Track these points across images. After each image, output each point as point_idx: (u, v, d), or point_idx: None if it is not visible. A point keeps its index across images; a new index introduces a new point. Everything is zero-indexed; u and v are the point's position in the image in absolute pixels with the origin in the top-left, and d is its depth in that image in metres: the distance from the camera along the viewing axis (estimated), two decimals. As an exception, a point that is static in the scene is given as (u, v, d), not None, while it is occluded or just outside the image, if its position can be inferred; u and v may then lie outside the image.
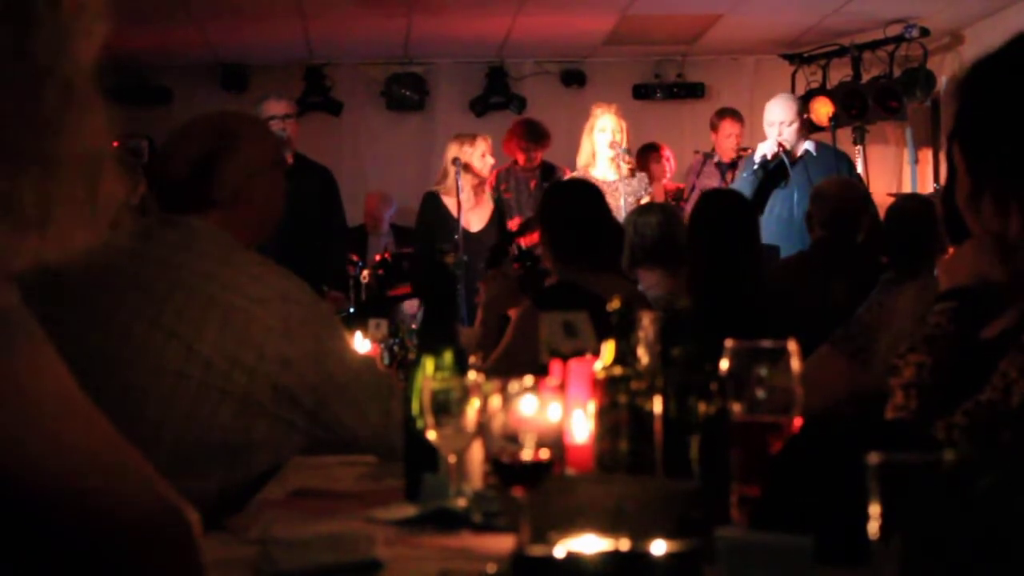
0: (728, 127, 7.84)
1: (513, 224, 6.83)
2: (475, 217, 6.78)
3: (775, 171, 6.49)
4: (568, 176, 7.20)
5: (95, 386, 1.14)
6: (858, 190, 5.14)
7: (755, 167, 6.51)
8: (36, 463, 1.06)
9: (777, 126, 6.58)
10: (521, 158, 7.40)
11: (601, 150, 6.71)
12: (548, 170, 7.48)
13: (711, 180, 7.58)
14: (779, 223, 6.13)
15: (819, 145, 6.75)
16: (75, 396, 1.10)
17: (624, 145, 6.71)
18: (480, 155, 6.83)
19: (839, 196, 4.96)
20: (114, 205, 1.08)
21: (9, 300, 1.05)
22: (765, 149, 6.54)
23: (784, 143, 6.48)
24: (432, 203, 6.92)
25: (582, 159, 6.84)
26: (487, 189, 6.92)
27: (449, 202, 6.81)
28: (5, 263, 1.03)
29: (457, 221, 6.72)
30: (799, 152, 6.54)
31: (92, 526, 1.08)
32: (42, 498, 1.07)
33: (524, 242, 6.51)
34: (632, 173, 6.74)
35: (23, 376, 1.06)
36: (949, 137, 1.82)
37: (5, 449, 1.05)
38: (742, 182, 6.51)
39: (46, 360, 1.08)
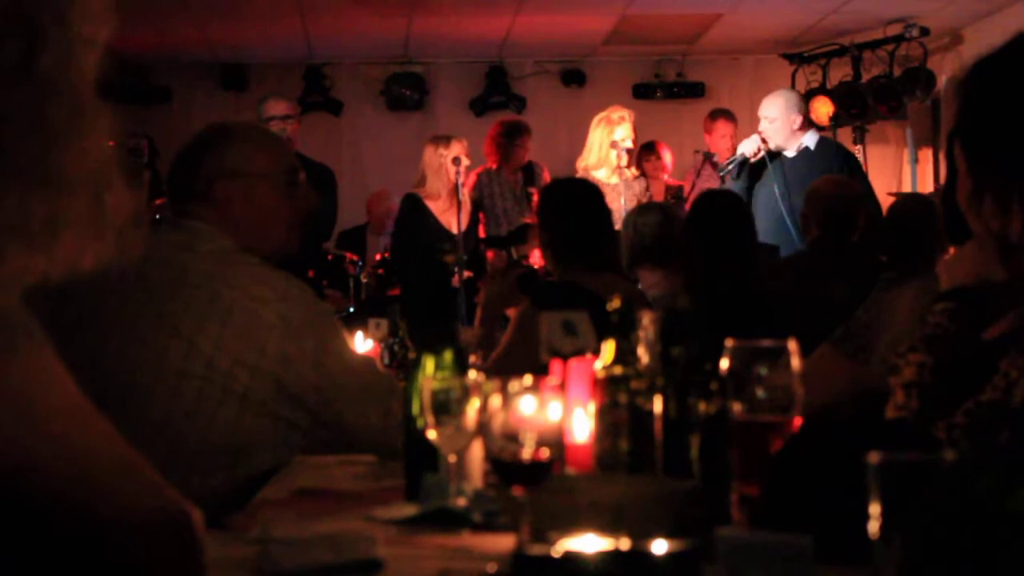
0: (722, 128, 7.83)
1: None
2: (454, 219, 6.71)
3: (754, 170, 6.48)
4: (547, 173, 7.17)
5: (98, 386, 1.14)
6: (852, 189, 5.12)
7: (732, 168, 6.46)
8: (38, 464, 1.07)
9: (762, 120, 6.53)
10: (519, 156, 7.28)
11: (612, 157, 6.69)
12: (529, 170, 7.42)
13: (711, 181, 7.57)
14: (769, 221, 6.08)
15: (821, 141, 6.69)
16: (76, 398, 1.10)
17: (633, 149, 6.72)
18: (452, 159, 6.71)
19: (831, 196, 4.96)
20: (122, 218, 1.06)
21: (10, 303, 1.05)
22: (746, 148, 6.50)
23: (767, 139, 6.43)
24: (413, 206, 6.86)
25: (588, 159, 6.81)
26: (465, 192, 6.83)
27: (432, 205, 6.77)
28: (13, 284, 1.02)
29: (440, 223, 6.69)
30: (791, 149, 6.49)
31: (94, 526, 1.08)
32: (44, 498, 1.07)
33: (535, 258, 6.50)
34: (635, 178, 6.75)
35: (25, 379, 1.06)
36: (950, 136, 1.81)
37: (7, 451, 1.05)
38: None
39: (47, 363, 1.08)
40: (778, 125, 6.46)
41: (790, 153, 6.50)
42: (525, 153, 7.26)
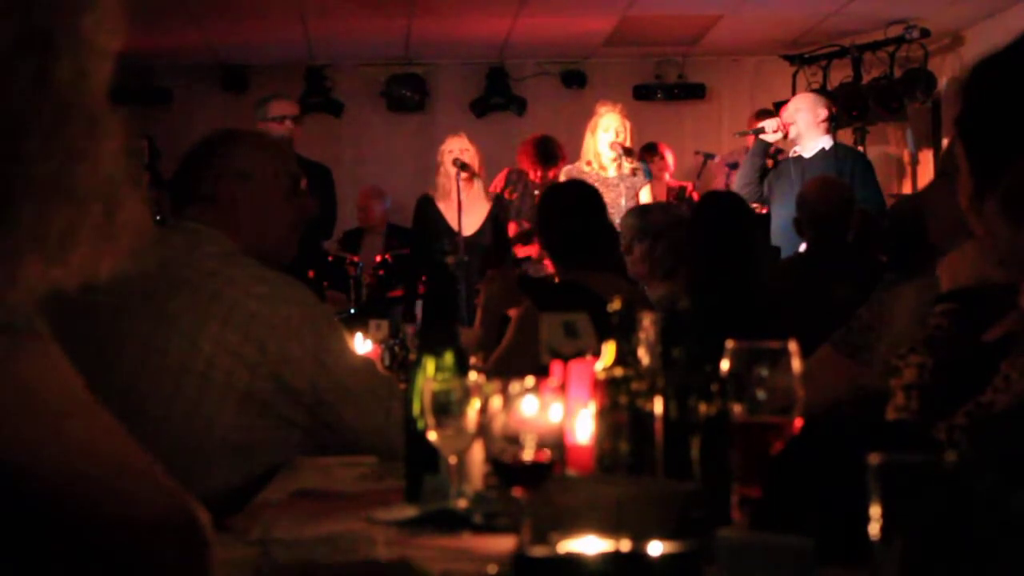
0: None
1: (511, 231, 6.78)
2: (468, 220, 6.69)
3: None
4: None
5: (99, 384, 1.14)
6: (839, 191, 5.12)
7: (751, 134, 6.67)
8: (44, 461, 1.07)
9: (789, 109, 6.76)
10: (537, 173, 7.22)
11: (603, 151, 6.69)
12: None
13: (719, 180, 7.57)
14: (786, 220, 6.12)
15: (837, 144, 6.72)
16: (81, 395, 1.10)
17: (628, 144, 6.68)
18: (456, 151, 6.66)
19: (819, 200, 4.97)
20: (134, 228, 1.09)
21: (21, 304, 1.05)
22: (768, 124, 6.62)
23: (788, 125, 6.55)
24: (425, 206, 6.85)
25: (585, 158, 6.81)
26: (481, 191, 6.81)
27: (442, 205, 6.75)
28: (31, 294, 1.04)
29: (449, 224, 6.66)
30: (809, 149, 6.53)
31: (101, 523, 1.09)
32: (51, 495, 1.08)
33: (521, 252, 6.49)
34: (634, 172, 6.72)
35: (30, 376, 1.06)
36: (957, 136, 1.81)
37: (14, 448, 1.05)
38: (747, 167, 6.67)
39: (52, 360, 1.09)
40: (804, 115, 6.53)
41: (808, 153, 6.54)
42: (555, 176, 7.20)
